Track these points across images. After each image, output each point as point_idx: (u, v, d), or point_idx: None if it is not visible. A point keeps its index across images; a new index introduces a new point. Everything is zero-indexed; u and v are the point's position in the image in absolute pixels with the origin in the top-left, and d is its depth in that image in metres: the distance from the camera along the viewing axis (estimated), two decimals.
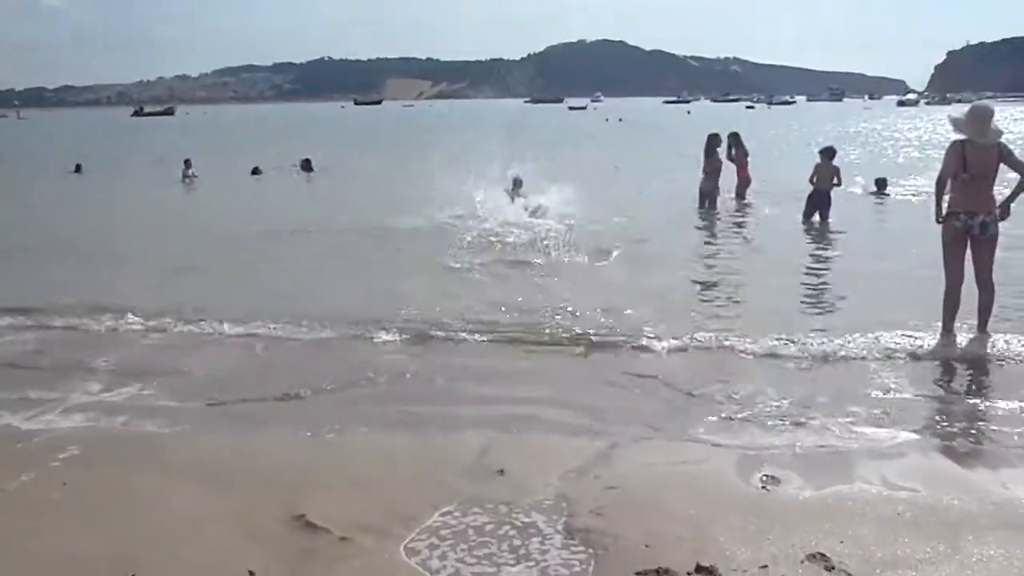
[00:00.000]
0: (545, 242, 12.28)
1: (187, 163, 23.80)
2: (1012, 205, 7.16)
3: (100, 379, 6.63)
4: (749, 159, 17.39)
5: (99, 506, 4.37)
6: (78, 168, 27.39)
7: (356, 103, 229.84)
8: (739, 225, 14.80)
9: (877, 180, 18.53)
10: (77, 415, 5.84)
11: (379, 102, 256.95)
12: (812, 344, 7.06)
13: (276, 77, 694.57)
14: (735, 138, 17.23)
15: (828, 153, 14.83)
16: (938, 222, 7.32)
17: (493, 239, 12.76)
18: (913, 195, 17.81)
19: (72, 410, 5.92)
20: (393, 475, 4.70)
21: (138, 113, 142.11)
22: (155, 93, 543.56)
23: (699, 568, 3.61)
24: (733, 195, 17.10)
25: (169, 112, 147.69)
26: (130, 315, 8.29)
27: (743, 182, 17.24)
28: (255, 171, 25.17)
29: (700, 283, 9.97)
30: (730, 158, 17.03)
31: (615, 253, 11.63)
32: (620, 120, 73.74)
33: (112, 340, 7.73)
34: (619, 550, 3.82)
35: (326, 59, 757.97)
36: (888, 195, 18.04)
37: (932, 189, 7.63)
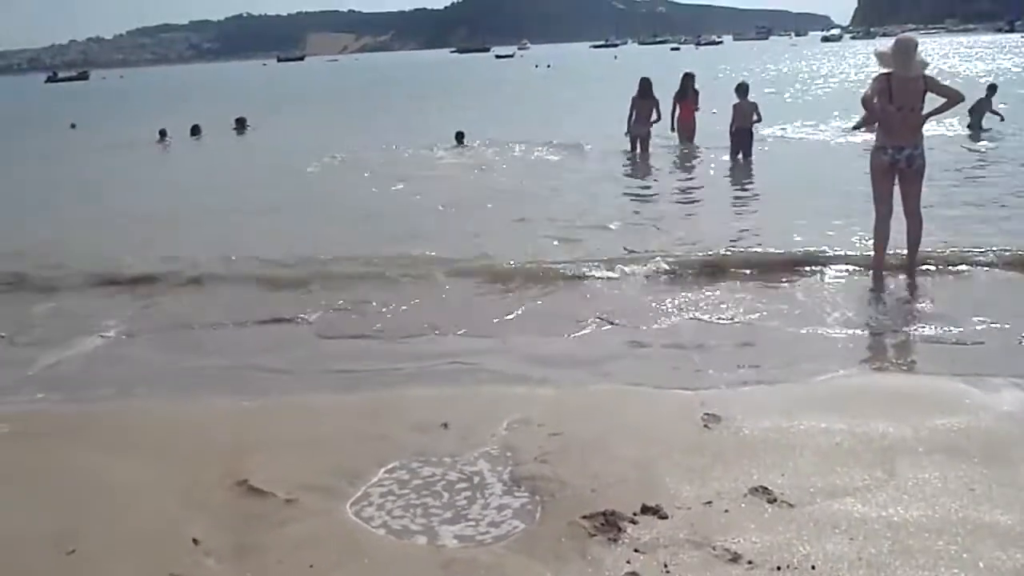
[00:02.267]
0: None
1: (163, 133, 23.44)
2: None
3: (21, 357, 6.42)
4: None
5: (33, 483, 4.23)
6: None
7: (279, 60, 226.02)
8: (672, 166, 14.83)
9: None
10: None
11: (302, 58, 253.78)
12: (745, 285, 7.14)
13: (194, 36, 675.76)
14: (692, 79, 16.13)
15: (742, 91, 14.43)
16: (854, 129, 7.38)
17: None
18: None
19: None
20: (337, 435, 4.64)
21: (52, 79, 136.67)
22: (69, 57, 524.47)
23: (645, 508, 3.65)
24: (674, 139, 16.32)
25: (83, 76, 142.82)
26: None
27: (690, 125, 16.26)
28: (194, 131, 24.51)
29: (634, 224, 9.96)
30: (678, 102, 16.09)
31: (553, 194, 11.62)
32: (549, 67, 73.25)
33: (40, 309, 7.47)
34: (565, 495, 3.84)
35: (244, 15, 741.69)
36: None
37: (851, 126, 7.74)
